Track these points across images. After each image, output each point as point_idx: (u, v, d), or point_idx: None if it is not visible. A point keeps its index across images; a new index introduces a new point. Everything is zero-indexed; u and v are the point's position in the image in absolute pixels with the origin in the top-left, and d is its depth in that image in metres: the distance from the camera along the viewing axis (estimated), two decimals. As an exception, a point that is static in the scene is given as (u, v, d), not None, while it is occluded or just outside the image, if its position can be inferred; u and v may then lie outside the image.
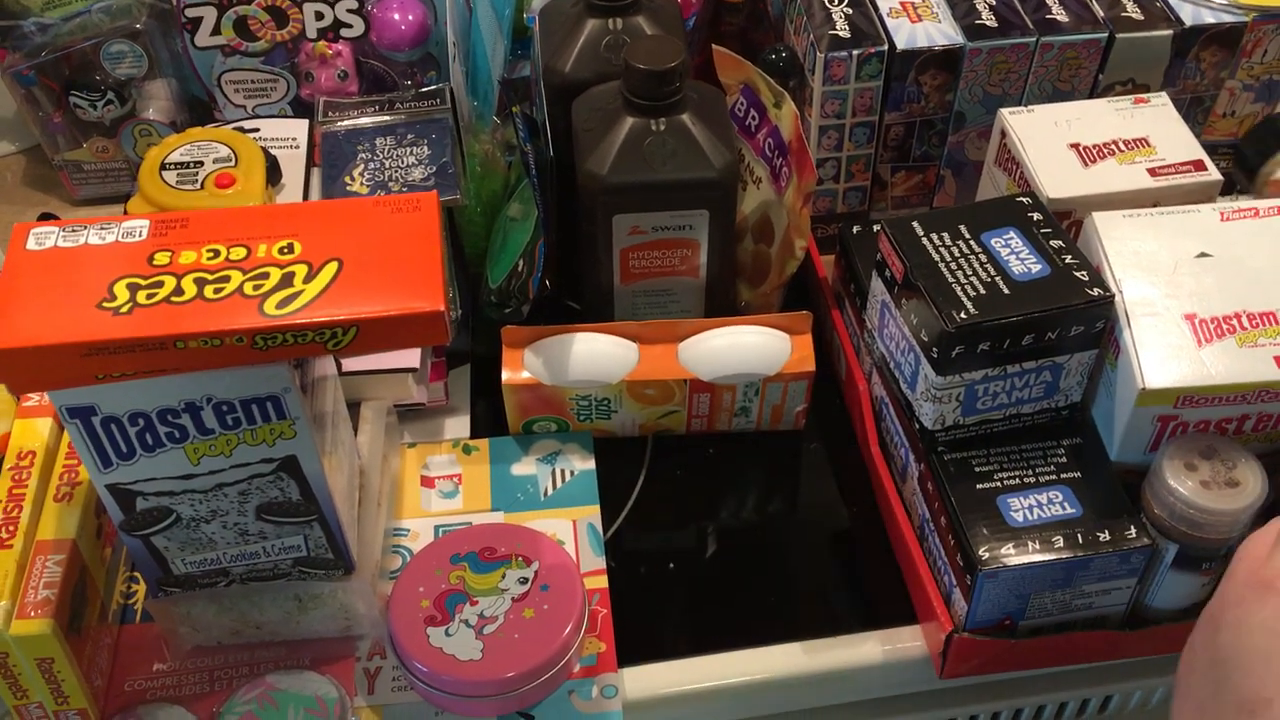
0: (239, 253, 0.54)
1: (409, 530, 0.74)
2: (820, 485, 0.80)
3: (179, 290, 0.52)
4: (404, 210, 0.57)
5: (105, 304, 0.51)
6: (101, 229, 0.55)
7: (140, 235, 0.54)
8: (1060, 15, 0.81)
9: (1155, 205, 0.71)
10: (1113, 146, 0.74)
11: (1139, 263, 0.67)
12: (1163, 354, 0.63)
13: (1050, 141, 0.75)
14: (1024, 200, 0.69)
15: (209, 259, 0.54)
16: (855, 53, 0.80)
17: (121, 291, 0.52)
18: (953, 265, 0.65)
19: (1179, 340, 0.64)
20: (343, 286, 0.53)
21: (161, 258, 0.53)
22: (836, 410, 0.82)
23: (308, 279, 0.53)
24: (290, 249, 0.54)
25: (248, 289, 0.52)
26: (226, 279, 0.53)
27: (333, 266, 0.54)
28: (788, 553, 0.75)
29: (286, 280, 0.53)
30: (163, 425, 0.56)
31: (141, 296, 0.52)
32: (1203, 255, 0.67)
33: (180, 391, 0.55)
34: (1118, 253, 0.67)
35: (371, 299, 0.53)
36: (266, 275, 0.53)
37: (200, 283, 0.52)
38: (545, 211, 0.77)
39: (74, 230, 0.54)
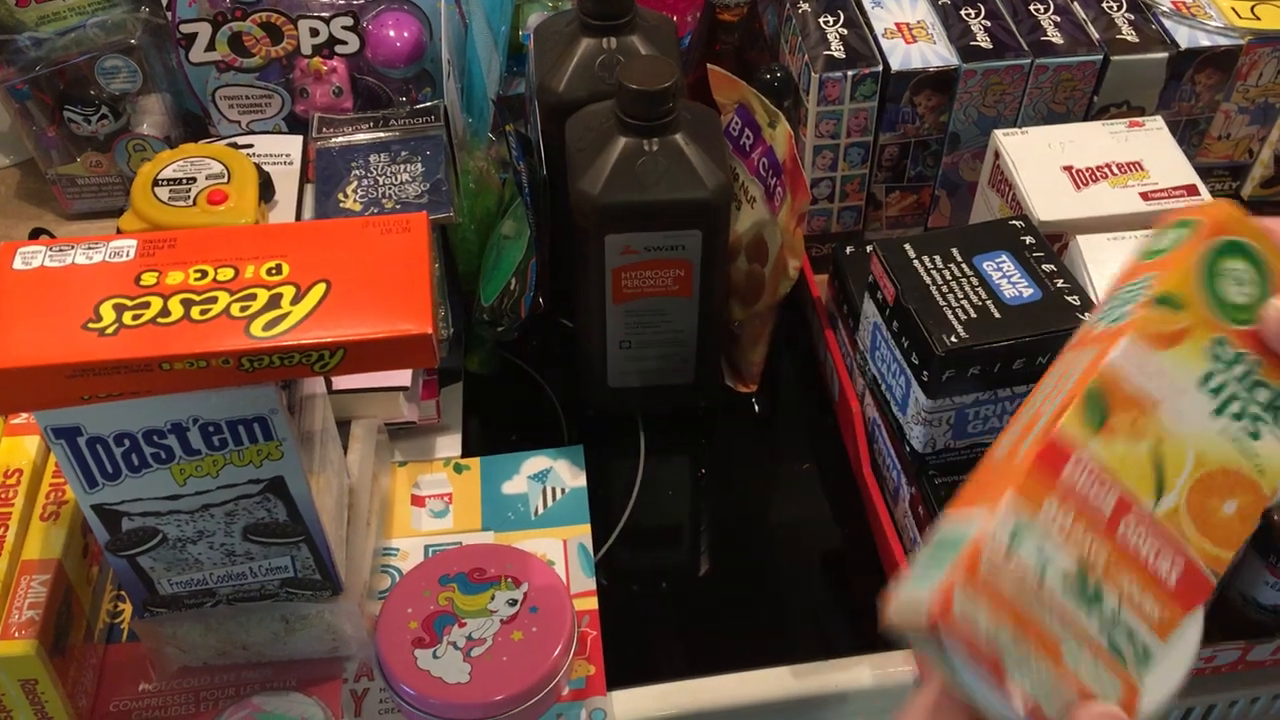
0: (226, 273, 0.54)
1: (398, 550, 0.74)
2: (813, 506, 0.79)
3: (165, 311, 0.52)
4: (394, 231, 0.56)
5: (91, 325, 0.51)
6: (89, 249, 0.55)
7: (127, 255, 0.54)
8: (1055, 37, 0.81)
9: (1147, 229, 0.70)
10: (1106, 170, 0.74)
11: None
12: None
13: (1043, 164, 0.75)
14: (1016, 223, 0.69)
15: (196, 279, 0.53)
16: (850, 73, 0.80)
17: (108, 312, 0.52)
18: (944, 288, 0.65)
19: None
20: (330, 308, 0.53)
21: (149, 278, 0.53)
22: (830, 431, 0.82)
23: (295, 300, 0.53)
24: (278, 270, 0.54)
25: (234, 310, 0.52)
26: (214, 300, 0.53)
27: (321, 288, 0.53)
28: (780, 574, 0.75)
29: (274, 302, 0.53)
30: (149, 446, 0.56)
31: (128, 317, 0.51)
32: None
33: (166, 412, 0.55)
34: (1101, 275, 0.67)
35: (359, 321, 0.52)
36: (254, 296, 0.53)
37: (187, 304, 0.52)
38: (538, 230, 0.77)
39: (61, 250, 0.54)
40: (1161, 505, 0.40)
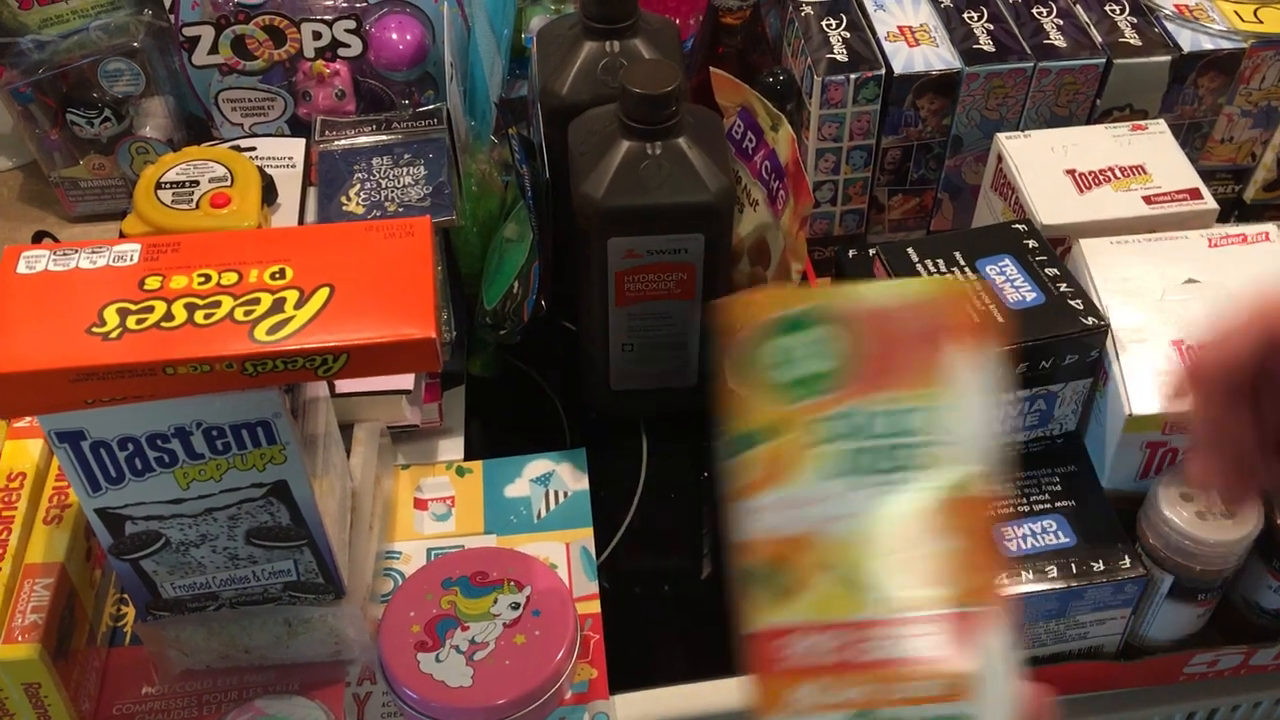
0: (230, 278, 0.54)
1: (401, 553, 0.74)
2: (815, 510, 0.79)
3: (169, 315, 0.52)
4: (397, 235, 0.56)
5: (95, 329, 0.51)
6: (93, 253, 0.55)
7: (131, 259, 0.54)
8: (1058, 40, 0.81)
9: (1150, 233, 0.70)
10: (1109, 173, 0.74)
11: (1126, 289, 0.67)
12: (1150, 380, 0.63)
13: (1046, 167, 0.75)
14: (1019, 227, 0.69)
15: (200, 284, 0.53)
16: (853, 76, 0.80)
17: (111, 317, 0.52)
18: (948, 292, 0.65)
19: (1167, 366, 0.64)
20: (334, 312, 0.53)
21: (152, 282, 0.53)
22: (832, 434, 0.82)
23: (299, 304, 0.53)
24: (282, 274, 0.54)
25: (238, 314, 0.52)
26: (217, 304, 0.53)
27: (324, 292, 0.53)
28: (781, 578, 0.75)
29: (277, 306, 0.53)
30: (152, 450, 0.56)
31: (131, 322, 0.51)
32: (1190, 281, 0.67)
33: (170, 417, 0.55)
34: (1105, 279, 0.67)
35: (362, 325, 0.52)
36: (257, 301, 0.53)
37: (191, 308, 0.52)
38: (540, 233, 0.77)
39: (65, 254, 0.54)
40: (882, 601, 0.38)
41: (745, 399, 0.39)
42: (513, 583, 0.68)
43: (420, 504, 0.77)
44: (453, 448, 0.80)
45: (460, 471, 0.78)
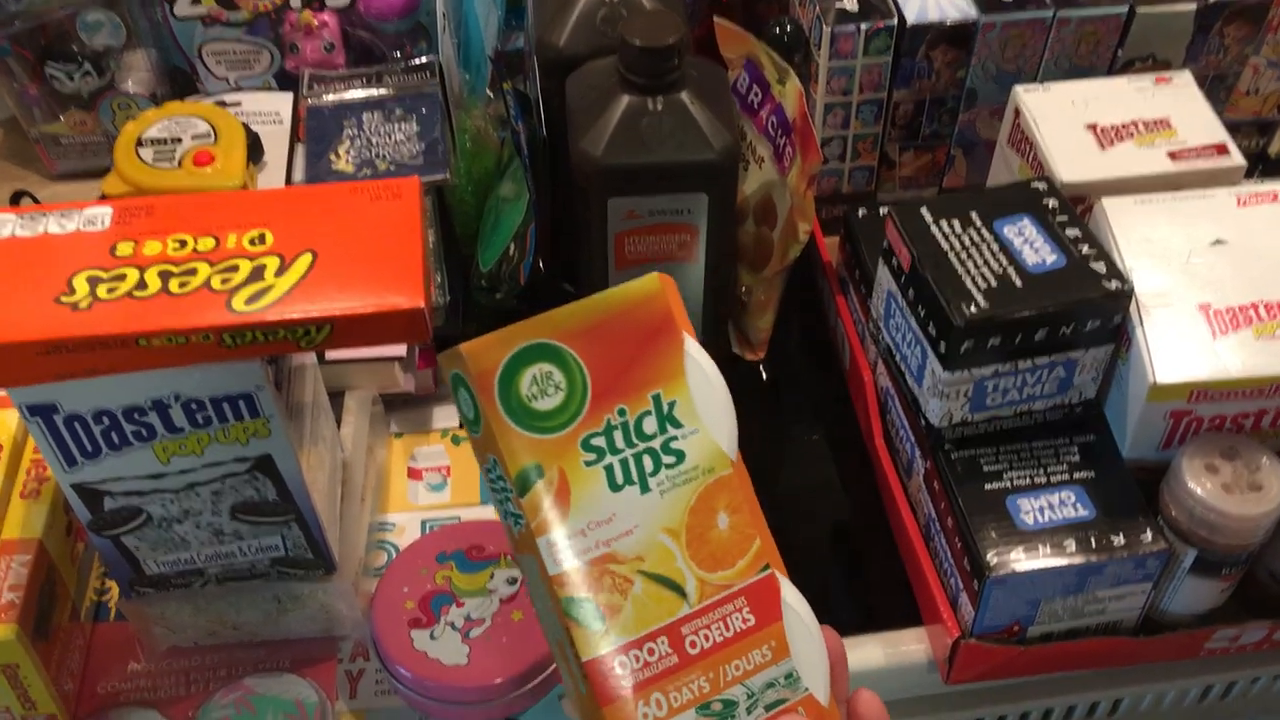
0: (207, 243, 0.51)
1: (395, 525, 0.72)
2: (823, 478, 0.77)
3: (142, 284, 0.49)
4: (383, 198, 0.54)
5: (64, 299, 0.48)
6: (62, 217, 0.52)
7: (102, 224, 0.51)
8: (1078, -12, 0.78)
9: (1175, 190, 0.67)
10: (1131, 128, 0.71)
11: (1151, 251, 0.64)
12: (1175, 347, 0.61)
13: (1066, 121, 0.71)
14: (1039, 186, 0.66)
15: (175, 250, 0.51)
16: (863, 27, 0.77)
17: (81, 285, 0.49)
18: (963, 255, 0.62)
19: (1193, 332, 0.61)
20: (316, 280, 0.50)
21: (124, 248, 0.50)
22: (841, 400, 0.79)
23: (279, 272, 0.50)
24: (262, 239, 0.51)
25: (215, 283, 0.49)
26: (193, 272, 0.50)
27: (306, 259, 0.51)
28: (787, 549, 0.72)
29: (257, 273, 0.50)
30: (129, 424, 0.53)
31: (102, 291, 0.49)
32: (1218, 242, 0.64)
33: (147, 389, 0.52)
34: (1128, 240, 0.64)
35: (347, 294, 0.50)
36: (236, 268, 0.50)
37: (165, 276, 0.49)
38: (537, 193, 0.74)
39: (32, 218, 0.51)
40: (693, 594, 0.41)
41: (511, 437, 0.40)
42: (510, 557, 0.65)
43: (414, 474, 0.74)
44: (448, 415, 0.78)
45: (456, 440, 0.76)
